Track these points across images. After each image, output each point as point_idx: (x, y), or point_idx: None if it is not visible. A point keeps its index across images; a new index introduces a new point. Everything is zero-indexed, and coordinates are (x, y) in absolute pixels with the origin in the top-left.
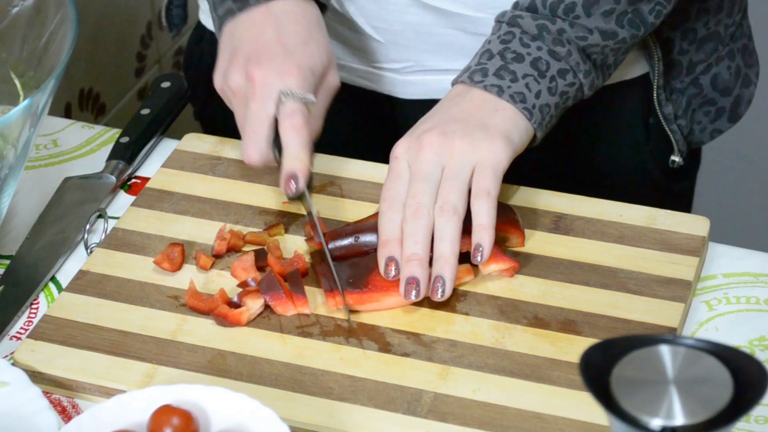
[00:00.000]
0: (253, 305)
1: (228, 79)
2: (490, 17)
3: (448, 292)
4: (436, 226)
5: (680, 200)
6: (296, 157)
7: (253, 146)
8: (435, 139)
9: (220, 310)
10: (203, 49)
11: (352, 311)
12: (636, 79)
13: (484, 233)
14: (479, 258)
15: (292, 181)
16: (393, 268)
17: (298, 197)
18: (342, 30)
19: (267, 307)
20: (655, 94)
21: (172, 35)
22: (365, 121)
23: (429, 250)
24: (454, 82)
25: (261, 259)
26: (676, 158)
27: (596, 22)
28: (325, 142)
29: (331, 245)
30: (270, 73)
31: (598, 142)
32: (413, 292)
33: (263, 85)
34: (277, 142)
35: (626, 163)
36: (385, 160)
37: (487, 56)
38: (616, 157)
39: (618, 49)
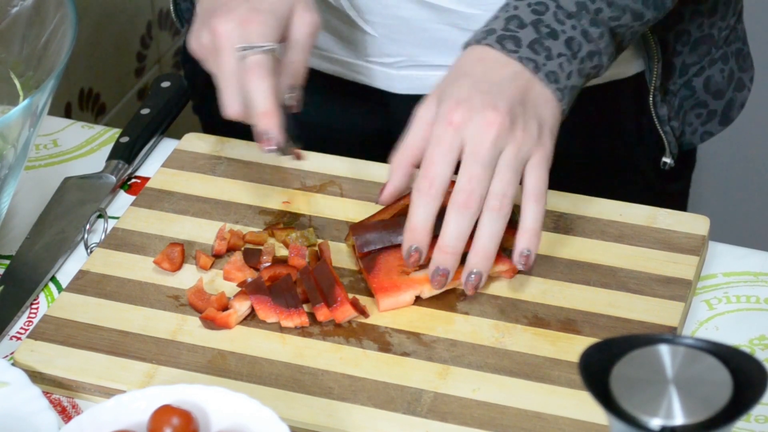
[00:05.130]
0: (241, 307)
1: (199, 38)
2: (483, 14)
3: (481, 287)
4: (486, 218)
5: (674, 201)
6: (263, 112)
7: (229, 99)
8: (505, 123)
9: (208, 314)
10: None
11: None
12: (629, 78)
13: (533, 238)
14: (524, 265)
15: (265, 138)
16: (416, 258)
17: (283, 152)
18: (335, 23)
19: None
20: (651, 95)
21: (183, 30)
22: (358, 115)
23: (467, 243)
24: (474, 43)
25: (250, 259)
26: (667, 160)
27: (627, 1)
28: (319, 137)
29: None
30: (231, 24)
31: (591, 141)
32: (440, 282)
33: (226, 38)
34: None
35: (619, 162)
36: (378, 154)
37: (516, 23)
38: (609, 156)
39: (637, 31)
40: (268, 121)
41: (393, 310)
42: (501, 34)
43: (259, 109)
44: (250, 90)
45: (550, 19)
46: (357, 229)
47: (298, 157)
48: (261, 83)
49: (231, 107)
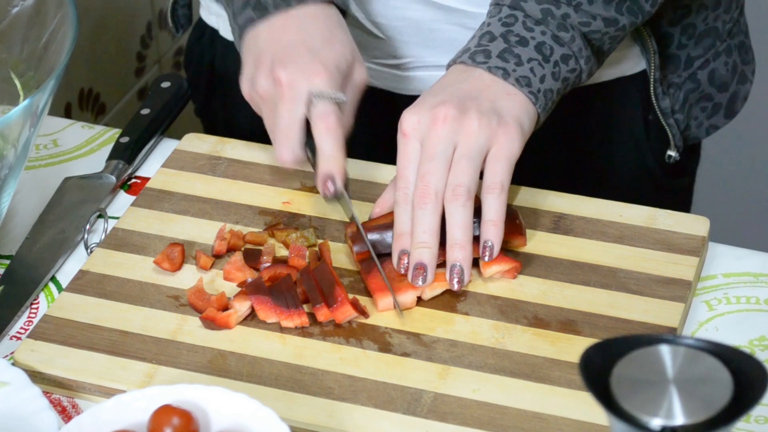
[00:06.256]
0: (241, 307)
1: (255, 84)
2: None
3: (466, 280)
4: (449, 211)
5: (680, 197)
6: (332, 157)
7: (286, 149)
8: (450, 113)
9: (208, 314)
10: (204, 46)
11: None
12: (635, 75)
13: (493, 229)
14: (487, 256)
15: (330, 182)
16: (406, 261)
17: (336, 199)
18: None
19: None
20: (651, 88)
21: (178, 36)
22: (365, 117)
23: (439, 236)
24: (452, 63)
25: (250, 259)
26: (672, 153)
27: (598, 8)
28: None
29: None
30: (297, 75)
31: (598, 139)
32: (420, 278)
33: (291, 87)
34: (309, 144)
35: (626, 160)
36: (385, 156)
37: (488, 38)
38: (616, 154)
39: (616, 36)
40: (335, 166)
41: (392, 310)
42: (474, 51)
43: (328, 154)
44: (320, 137)
45: (519, 28)
46: (356, 237)
47: (351, 205)
48: (332, 131)
49: (288, 157)
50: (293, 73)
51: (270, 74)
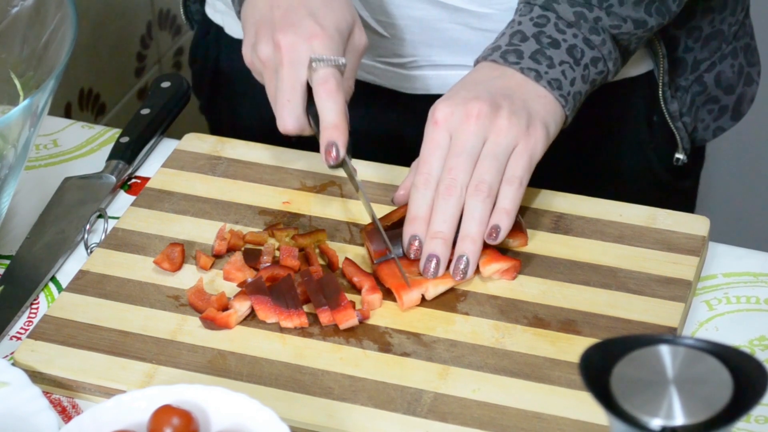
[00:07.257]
0: (241, 307)
1: (257, 50)
2: (495, 13)
3: (470, 273)
4: (468, 205)
5: (684, 198)
6: (334, 124)
7: (288, 114)
8: (483, 110)
9: (208, 314)
10: (209, 43)
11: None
12: (640, 77)
13: (504, 216)
14: (493, 238)
15: (333, 150)
16: (416, 246)
17: (339, 165)
18: None
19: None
20: (660, 92)
21: (192, 31)
22: (370, 115)
23: (455, 229)
24: (481, 60)
25: (250, 259)
26: (680, 156)
27: (628, 11)
28: None
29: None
30: (296, 38)
31: (603, 140)
32: (432, 269)
33: (291, 51)
34: (311, 111)
35: (630, 161)
36: (389, 155)
37: (519, 37)
38: (620, 155)
39: (642, 37)
40: (337, 134)
41: (399, 309)
42: (505, 50)
43: (330, 122)
44: (321, 102)
45: (551, 29)
46: (373, 235)
47: (354, 172)
48: (333, 96)
49: (290, 122)
50: (293, 37)
51: (270, 39)
